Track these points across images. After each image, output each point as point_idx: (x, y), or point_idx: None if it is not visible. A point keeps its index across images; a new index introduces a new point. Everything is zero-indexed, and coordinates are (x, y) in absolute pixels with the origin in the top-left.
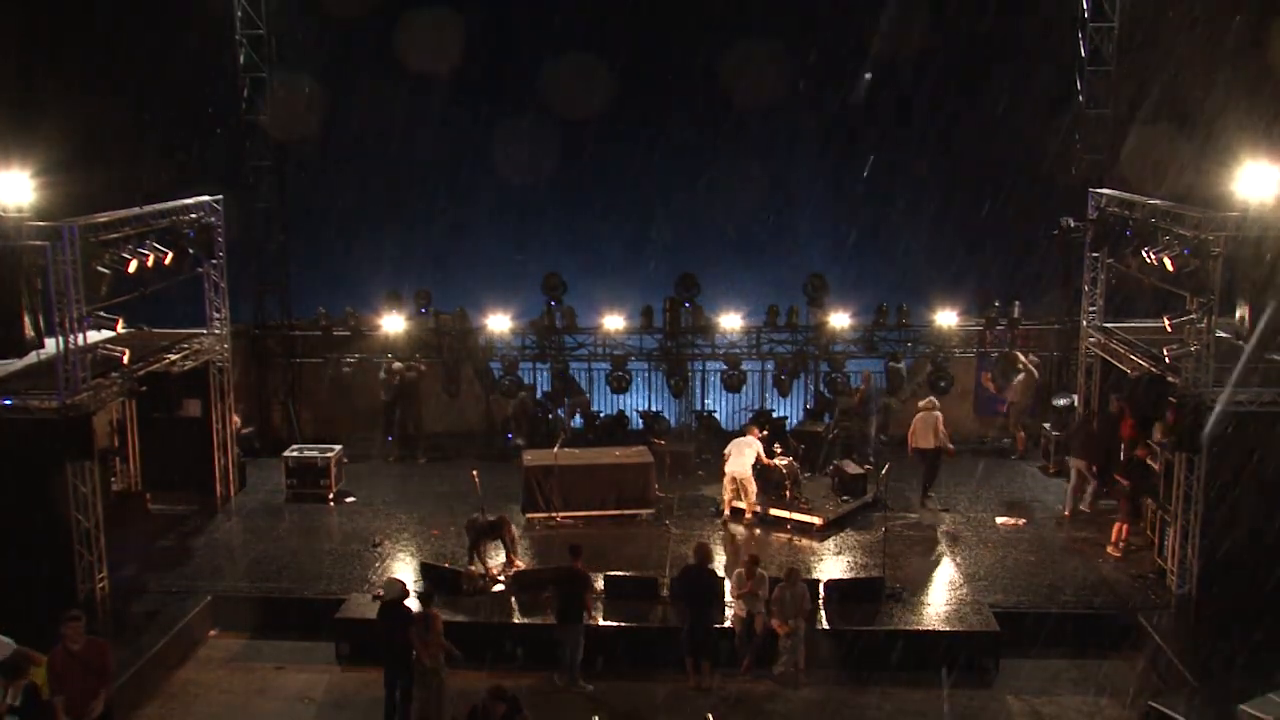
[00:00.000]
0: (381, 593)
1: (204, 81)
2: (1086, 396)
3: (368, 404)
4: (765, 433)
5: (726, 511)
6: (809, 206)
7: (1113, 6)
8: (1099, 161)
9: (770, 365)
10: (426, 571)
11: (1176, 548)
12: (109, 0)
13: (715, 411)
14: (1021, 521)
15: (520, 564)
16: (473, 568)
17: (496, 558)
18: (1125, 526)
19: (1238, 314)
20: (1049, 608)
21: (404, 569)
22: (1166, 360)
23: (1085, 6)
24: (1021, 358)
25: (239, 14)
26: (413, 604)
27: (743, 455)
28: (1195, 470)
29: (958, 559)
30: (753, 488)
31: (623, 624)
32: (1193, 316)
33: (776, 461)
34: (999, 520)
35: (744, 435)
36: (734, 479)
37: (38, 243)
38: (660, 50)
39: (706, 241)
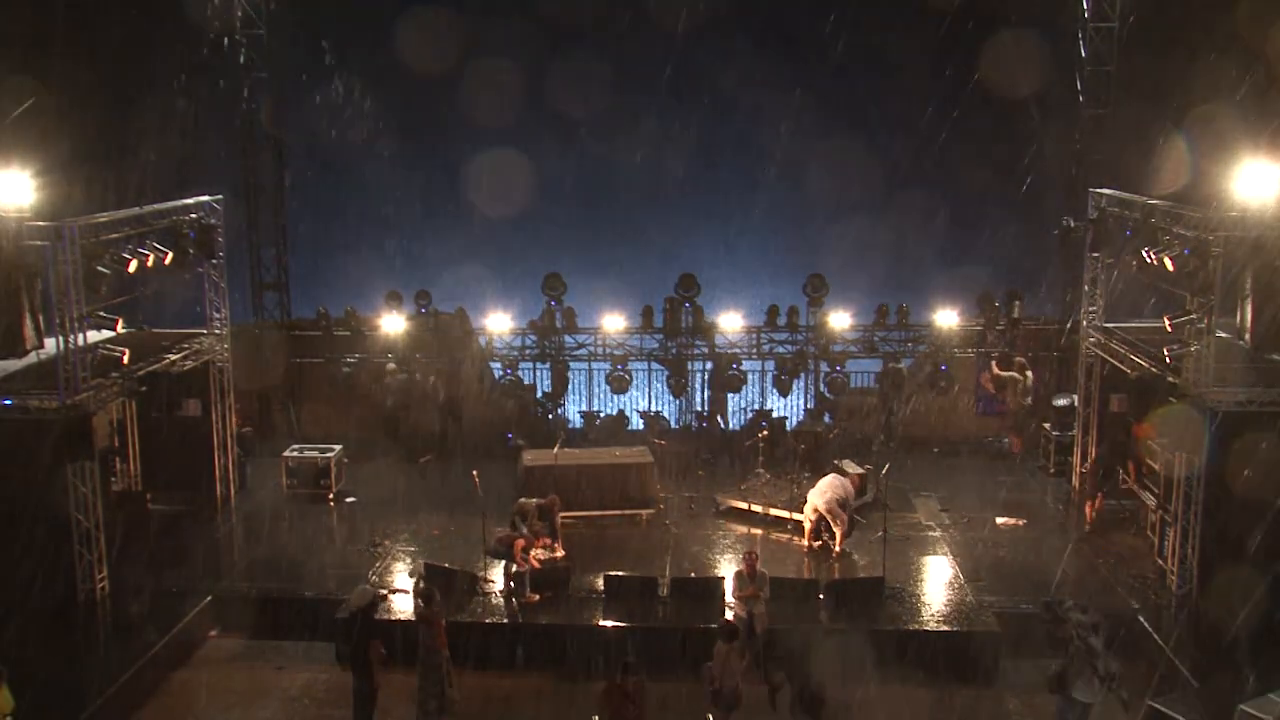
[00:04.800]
0: (353, 599)
1: (204, 82)
2: (1087, 396)
3: (368, 404)
4: (765, 433)
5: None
6: (809, 206)
7: (1113, 6)
8: (1099, 161)
9: (770, 365)
10: (427, 571)
11: (1176, 548)
12: (110, 1)
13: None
14: (1021, 521)
15: (561, 550)
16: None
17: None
18: (1099, 498)
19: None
20: None
21: (403, 569)
22: (1167, 360)
23: (1085, 6)
24: (1011, 373)
25: (239, 14)
26: (408, 604)
27: (823, 490)
28: (1195, 470)
29: (958, 559)
30: (834, 524)
31: (623, 624)
32: (1193, 316)
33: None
34: (999, 520)
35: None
36: (815, 510)
37: (38, 243)
38: (660, 49)
39: (706, 241)
